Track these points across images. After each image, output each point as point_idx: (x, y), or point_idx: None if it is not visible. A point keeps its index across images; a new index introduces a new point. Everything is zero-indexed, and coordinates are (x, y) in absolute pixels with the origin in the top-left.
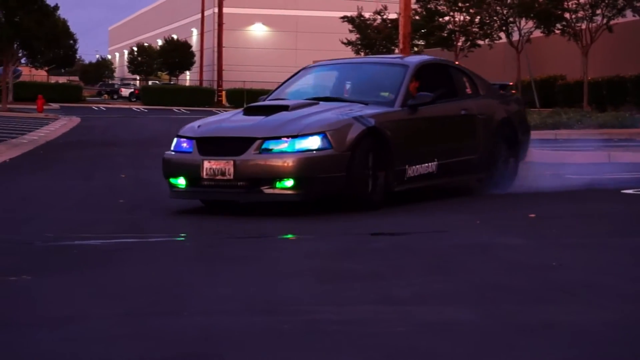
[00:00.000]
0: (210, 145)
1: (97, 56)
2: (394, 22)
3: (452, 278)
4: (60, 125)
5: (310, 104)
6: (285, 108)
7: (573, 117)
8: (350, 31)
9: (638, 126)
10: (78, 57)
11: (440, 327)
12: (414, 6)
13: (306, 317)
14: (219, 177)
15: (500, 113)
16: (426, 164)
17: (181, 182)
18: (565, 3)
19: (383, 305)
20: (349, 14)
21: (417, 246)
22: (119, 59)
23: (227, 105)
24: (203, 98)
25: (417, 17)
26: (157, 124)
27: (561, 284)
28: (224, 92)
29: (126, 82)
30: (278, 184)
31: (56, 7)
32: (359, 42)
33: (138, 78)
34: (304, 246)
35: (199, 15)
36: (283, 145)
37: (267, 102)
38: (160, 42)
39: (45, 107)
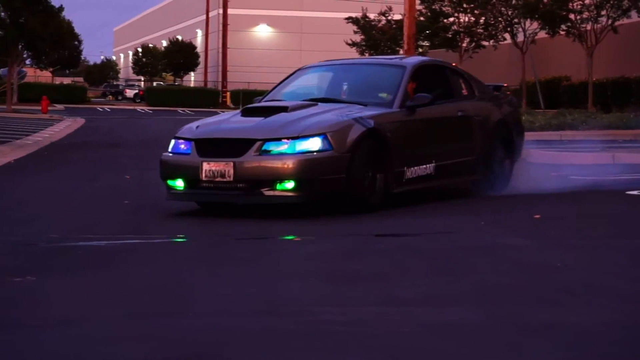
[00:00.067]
0: (209, 147)
1: (102, 57)
2: (399, 23)
3: (456, 279)
4: (65, 126)
5: (309, 105)
6: (284, 109)
7: (578, 118)
8: (355, 32)
9: None
10: (83, 58)
11: (444, 327)
12: (418, 7)
13: (310, 318)
14: (219, 178)
15: (496, 114)
16: (424, 166)
17: (179, 184)
18: (570, 4)
19: (387, 306)
20: (353, 15)
21: (422, 247)
22: (124, 60)
23: (232, 106)
24: (208, 99)
25: (421, 18)
26: (161, 125)
27: (565, 285)
28: (228, 93)
29: (131, 83)
30: (278, 186)
31: (61, 8)
32: (364, 43)
33: (143, 79)
34: (306, 247)
35: (204, 17)
36: (283, 147)
37: (265, 103)
38: (164, 43)
39: (49, 108)
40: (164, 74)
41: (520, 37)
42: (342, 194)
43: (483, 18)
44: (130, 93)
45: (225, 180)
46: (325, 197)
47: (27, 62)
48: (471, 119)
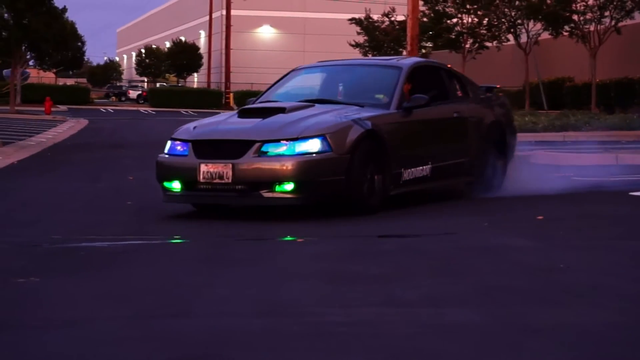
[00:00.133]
0: (207, 148)
1: (105, 58)
2: (402, 24)
3: (458, 280)
4: (68, 127)
5: (306, 106)
6: (281, 110)
7: (581, 119)
8: (358, 33)
9: None
10: (86, 59)
11: (446, 328)
12: (421, 8)
13: (311, 319)
14: (217, 180)
15: (490, 116)
16: (420, 167)
17: (176, 185)
18: (574, 5)
19: (388, 307)
20: (356, 15)
21: (424, 248)
22: (127, 61)
23: (235, 107)
24: (211, 100)
25: (425, 19)
26: (164, 126)
27: (567, 286)
28: (231, 94)
29: (134, 84)
30: (277, 188)
31: (64, 10)
32: (367, 44)
33: (146, 80)
34: (307, 248)
35: (207, 18)
36: (282, 148)
37: (262, 104)
38: (168, 44)
39: (53, 109)
40: (167, 75)
41: (523, 38)
42: (341, 196)
43: (486, 19)
44: (133, 94)
45: (223, 182)
46: (325, 199)
47: (31, 63)
48: (466, 121)
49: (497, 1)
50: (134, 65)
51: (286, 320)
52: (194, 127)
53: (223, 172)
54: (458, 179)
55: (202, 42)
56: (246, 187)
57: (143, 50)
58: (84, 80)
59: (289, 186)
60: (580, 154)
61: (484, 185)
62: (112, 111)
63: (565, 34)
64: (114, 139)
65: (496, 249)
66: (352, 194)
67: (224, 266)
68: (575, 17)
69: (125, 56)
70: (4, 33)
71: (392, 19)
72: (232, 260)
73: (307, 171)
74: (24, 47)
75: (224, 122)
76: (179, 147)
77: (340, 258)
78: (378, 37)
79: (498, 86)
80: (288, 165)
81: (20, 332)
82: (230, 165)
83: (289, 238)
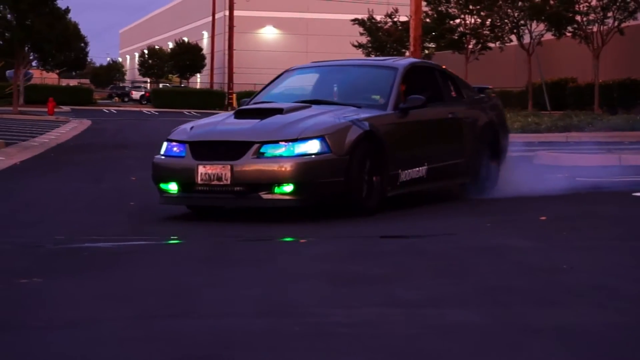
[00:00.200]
0: (204, 150)
1: (108, 59)
2: (405, 24)
3: (461, 280)
4: (71, 128)
5: (304, 107)
6: (279, 111)
7: (584, 120)
8: (361, 34)
9: None
10: (89, 60)
11: (447, 329)
12: (424, 9)
13: (313, 319)
14: (215, 182)
15: (483, 117)
16: (417, 169)
17: (172, 187)
18: (577, 6)
19: (390, 308)
20: (359, 16)
21: (427, 249)
22: (130, 61)
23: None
24: (214, 101)
25: (428, 20)
26: (167, 126)
27: (568, 286)
28: (234, 95)
29: (137, 84)
30: (277, 189)
31: (67, 10)
32: (370, 44)
33: (149, 81)
34: (308, 249)
35: (210, 18)
36: (281, 150)
37: (259, 105)
38: (171, 45)
39: (56, 109)
40: (170, 75)
41: (526, 39)
42: (340, 197)
43: (489, 20)
44: (136, 95)
45: (222, 183)
46: (324, 200)
47: (34, 63)
48: (461, 122)
49: (500, 2)
50: (136, 66)
51: (287, 320)
52: (191, 128)
53: (221, 174)
54: (453, 180)
55: (204, 42)
56: (245, 189)
57: (146, 51)
58: (87, 81)
59: (288, 188)
60: (583, 154)
61: (478, 187)
62: (115, 112)
63: (568, 34)
64: (116, 139)
65: (497, 250)
66: (351, 195)
67: (225, 267)
68: (578, 17)
69: (128, 57)
70: (6, 34)
71: (395, 19)
72: (233, 260)
73: (307, 172)
74: (26, 48)
75: (222, 123)
76: (175, 149)
77: (341, 259)
78: (381, 37)
79: (490, 87)
80: (287, 167)
81: (23, 332)
82: (229, 167)
83: (289, 239)
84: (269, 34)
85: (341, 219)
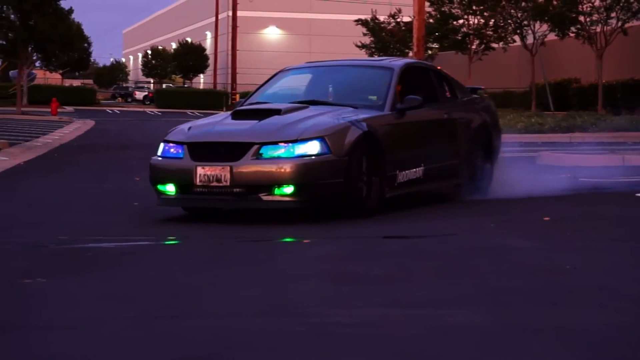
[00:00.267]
0: (203, 151)
1: (111, 59)
2: (408, 25)
3: (462, 281)
4: (75, 128)
5: (301, 108)
6: (277, 112)
7: (587, 120)
8: (364, 34)
9: None
10: (92, 60)
11: (448, 329)
12: (428, 9)
13: (314, 320)
14: (214, 183)
15: (478, 118)
16: (414, 169)
17: (170, 189)
18: (580, 6)
19: (392, 308)
20: (363, 17)
21: (429, 249)
22: (133, 62)
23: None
24: (217, 101)
25: (431, 20)
26: (170, 127)
27: (569, 287)
28: (237, 95)
29: (140, 85)
30: (277, 191)
31: (70, 11)
32: (373, 45)
33: (152, 81)
34: (312, 249)
35: (213, 19)
36: (281, 151)
37: (256, 106)
38: (174, 45)
39: (59, 110)
40: (173, 76)
41: (529, 39)
42: (339, 198)
43: (492, 20)
44: (139, 95)
45: (221, 185)
46: (324, 201)
47: (37, 64)
48: (456, 122)
49: (504, 2)
50: (140, 67)
51: (288, 320)
52: (189, 129)
53: (220, 175)
54: (449, 182)
55: (208, 43)
56: (244, 190)
57: (149, 52)
58: (90, 81)
59: (289, 189)
60: (587, 155)
61: (473, 187)
62: (118, 112)
63: (572, 35)
64: (120, 139)
65: (498, 250)
66: (350, 197)
67: (226, 267)
68: (581, 18)
69: (131, 57)
70: (10, 34)
71: (399, 20)
72: (234, 261)
73: (307, 174)
74: (30, 48)
75: (220, 124)
76: (172, 150)
77: (342, 259)
78: (384, 38)
79: (483, 87)
80: (288, 168)
81: (24, 332)
82: (228, 168)
83: (289, 239)
84: (272, 34)
85: (340, 220)
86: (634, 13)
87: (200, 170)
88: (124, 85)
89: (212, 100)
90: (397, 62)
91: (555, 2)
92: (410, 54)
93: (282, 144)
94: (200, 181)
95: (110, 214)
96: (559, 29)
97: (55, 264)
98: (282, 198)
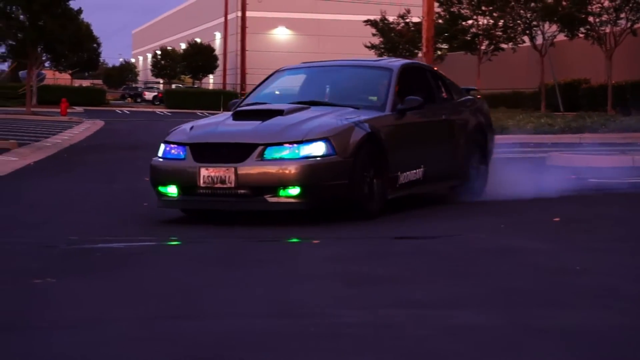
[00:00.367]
0: (206, 152)
1: (121, 60)
2: (417, 25)
3: (471, 282)
4: (84, 129)
5: (303, 108)
6: (279, 112)
7: (597, 121)
8: (374, 35)
9: None
10: (102, 61)
11: (456, 330)
12: (437, 10)
13: (323, 320)
14: (218, 185)
15: (473, 118)
16: (414, 171)
17: (172, 190)
18: (589, 7)
19: (401, 309)
20: (372, 17)
21: (437, 250)
22: (143, 62)
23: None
24: (226, 101)
25: (440, 21)
26: None
27: (579, 288)
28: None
29: (150, 85)
30: (282, 192)
31: (80, 11)
32: (382, 45)
33: (161, 81)
34: (322, 250)
35: (223, 19)
36: (286, 152)
37: (257, 107)
38: (183, 46)
39: (69, 110)
40: (182, 76)
41: (539, 40)
42: (344, 200)
43: (502, 21)
44: (149, 95)
45: (225, 186)
46: (328, 203)
47: (46, 64)
48: (453, 123)
49: (513, 3)
50: (149, 67)
51: (298, 321)
52: (190, 129)
53: (225, 176)
54: (448, 183)
55: (217, 43)
56: (249, 192)
57: (159, 52)
58: (99, 81)
59: (294, 191)
60: (597, 155)
61: (469, 189)
62: (127, 112)
63: (581, 35)
64: (129, 140)
65: (515, 251)
66: (355, 198)
67: (235, 268)
68: (590, 18)
69: (140, 58)
70: (19, 34)
71: (408, 20)
72: (243, 261)
73: (313, 175)
74: (39, 49)
75: (222, 124)
76: (174, 151)
77: (349, 260)
78: (393, 38)
79: (476, 88)
80: (293, 169)
81: (27, 332)
82: (233, 169)
83: (301, 240)
84: (281, 34)
85: (343, 221)
86: None
87: (203, 172)
88: (134, 85)
89: (221, 100)
90: (395, 62)
91: (564, 3)
92: (420, 54)
93: (287, 145)
94: (203, 183)
95: (120, 214)
96: (568, 29)
97: (65, 264)
98: (288, 200)
